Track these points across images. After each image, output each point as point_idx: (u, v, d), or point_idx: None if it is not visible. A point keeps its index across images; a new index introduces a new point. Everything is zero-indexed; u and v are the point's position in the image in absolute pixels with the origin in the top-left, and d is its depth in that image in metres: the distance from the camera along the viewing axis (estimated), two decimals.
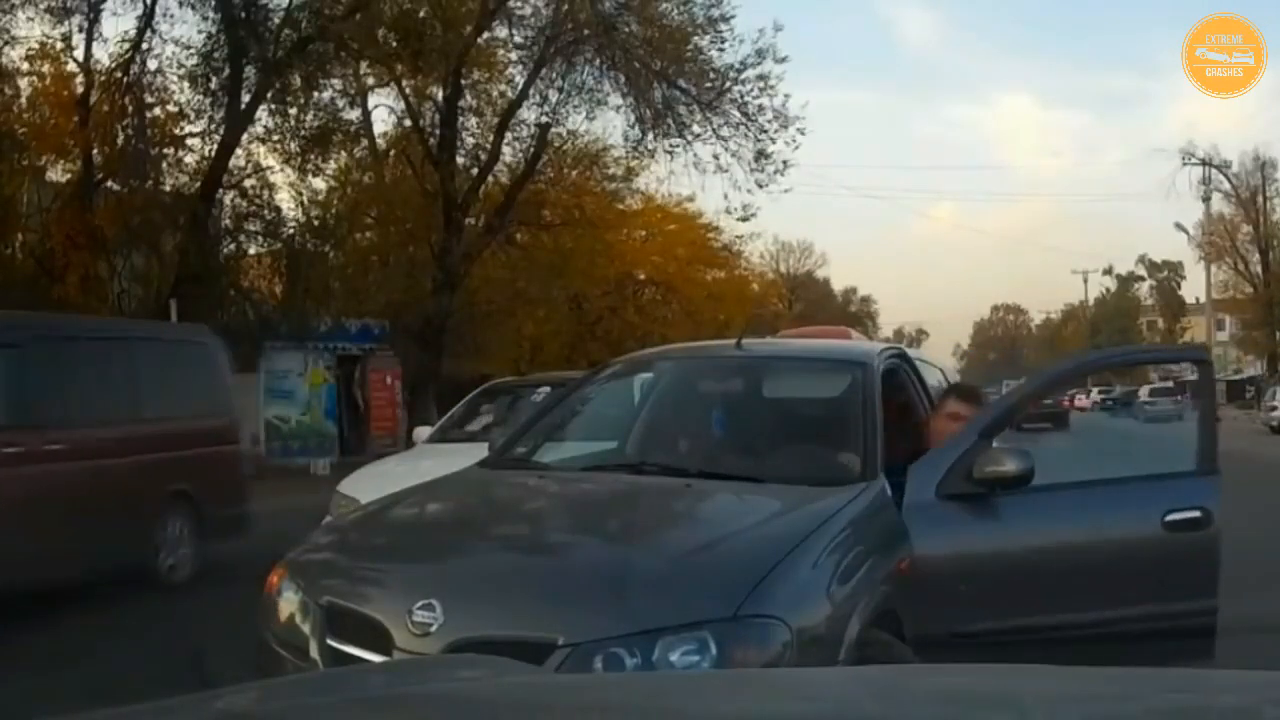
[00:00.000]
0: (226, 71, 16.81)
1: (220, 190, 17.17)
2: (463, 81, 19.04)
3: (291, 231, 18.25)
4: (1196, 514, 3.45)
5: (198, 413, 8.24)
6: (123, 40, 16.35)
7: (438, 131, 19.78)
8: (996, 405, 3.73)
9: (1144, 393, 40.02)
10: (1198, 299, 47.48)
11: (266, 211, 17.85)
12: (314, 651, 2.91)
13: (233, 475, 8.59)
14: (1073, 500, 3.62)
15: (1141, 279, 64.18)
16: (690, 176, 19.89)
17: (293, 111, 17.78)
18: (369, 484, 5.94)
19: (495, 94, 20.15)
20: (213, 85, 16.98)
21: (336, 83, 18.58)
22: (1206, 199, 40.30)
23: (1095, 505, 3.60)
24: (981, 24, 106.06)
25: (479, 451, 4.43)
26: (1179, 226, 42.55)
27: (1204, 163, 39.30)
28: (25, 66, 16.15)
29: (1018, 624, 3.26)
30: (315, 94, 18.01)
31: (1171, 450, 4.03)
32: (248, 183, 17.65)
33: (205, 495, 7.92)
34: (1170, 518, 3.44)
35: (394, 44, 17.51)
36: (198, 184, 16.80)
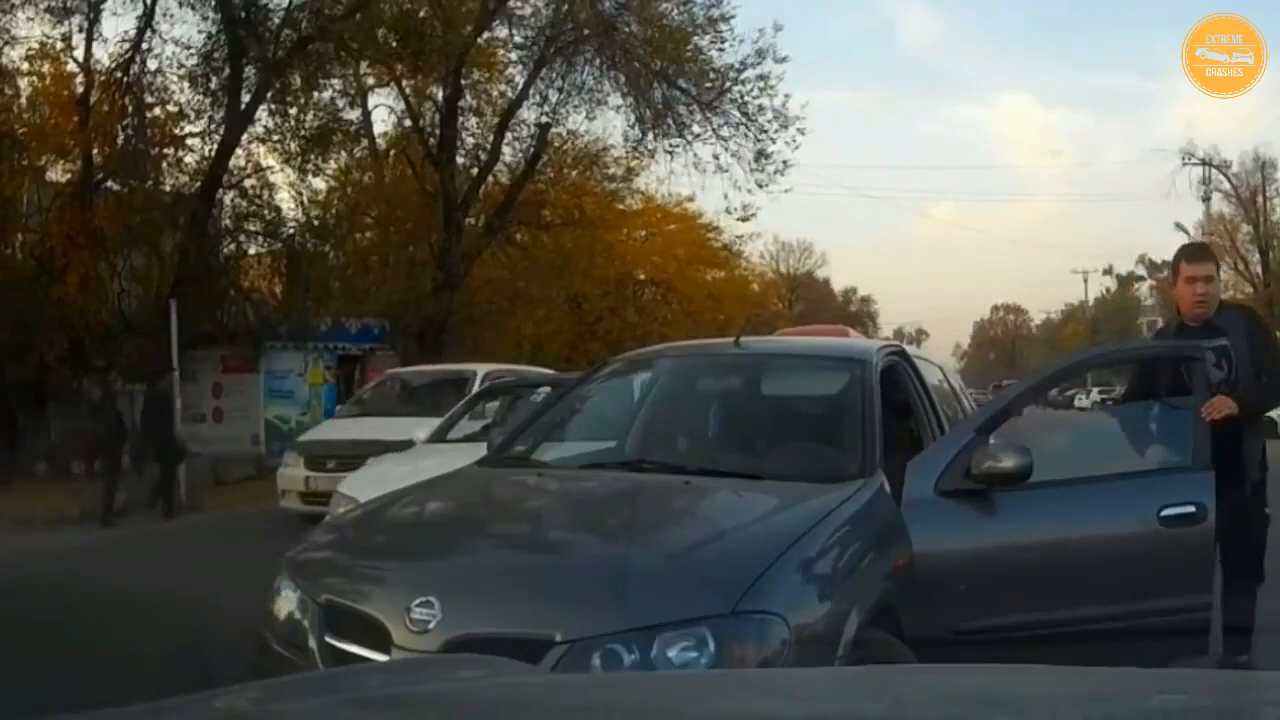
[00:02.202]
0: (226, 71, 16.80)
1: (220, 190, 17.16)
2: (463, 81, 19.02)
3: (291, 231, 18.25)
4: (1191, 509, 3.45)
5: None
6: (123, 40, 16.38)
7: (438, 131, 19.77)
8: (994, 403, 3.72)
9: None
10: None
11: (266, 211, 17.84)
12: (313, 649, 2.91)
13: None
14: (1069, 496, 3.61)
15: (1141, 279, 64.00)
16: (690, 176, 19.94)
17: (293, 111, 17.77)
18: (369, 484, 5.95)
19: (495, 94, 20.17)
20: (213, 85, 16.98)
21: (336, 83, 18.60)
22: (1206, 199, 40.25)
23: (1091, 501, 3.59)
24: (982, 24, 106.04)
25: (479, 451, 4.44)
26: (1179, 226, 42.42)
27: (1204, 163, 39.22)
28: (25, 66, 16.20)
29: (1015, 620, 3.26)
30: (315, 94, 18.01)
31: (1168, 447, 4.03)
32: (248, 183, 17.65)
33: None
34: (1165, 513, 3.44)
35: (394, 44, 17.51)
36: (198, 184, 16.79)
